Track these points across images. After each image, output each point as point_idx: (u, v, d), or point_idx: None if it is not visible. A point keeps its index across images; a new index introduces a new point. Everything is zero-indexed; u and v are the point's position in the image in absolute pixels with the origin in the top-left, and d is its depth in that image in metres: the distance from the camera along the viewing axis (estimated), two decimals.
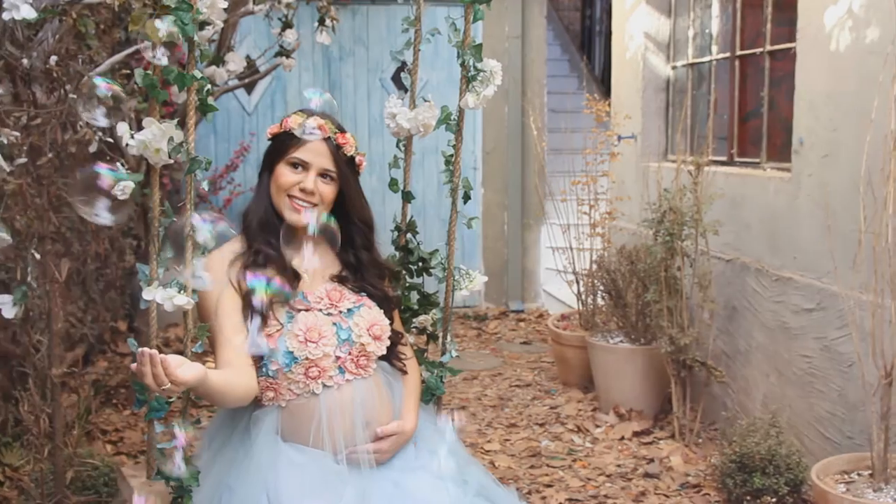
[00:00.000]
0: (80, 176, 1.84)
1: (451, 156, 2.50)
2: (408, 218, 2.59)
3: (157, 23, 1.98)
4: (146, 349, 1.74)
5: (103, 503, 3.30)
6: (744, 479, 3.61)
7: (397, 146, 2.54)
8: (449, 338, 2.60)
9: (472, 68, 2.41)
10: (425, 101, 2.42)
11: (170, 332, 6.27)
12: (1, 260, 3.74)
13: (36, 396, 3.13)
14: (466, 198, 2.52)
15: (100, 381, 4.90)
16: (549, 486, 4.01)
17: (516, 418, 4.95)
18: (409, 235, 2.57)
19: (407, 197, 2.56)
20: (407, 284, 2.58)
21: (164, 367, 1.74)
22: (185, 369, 1.78)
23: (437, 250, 2.56)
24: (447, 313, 2.59)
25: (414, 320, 2.59)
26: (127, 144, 2.04)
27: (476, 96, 2.41)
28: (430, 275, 2.57)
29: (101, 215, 1.87)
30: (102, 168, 1.84)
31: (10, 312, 2.56)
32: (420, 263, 2.57)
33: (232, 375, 2.02)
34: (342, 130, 2.25)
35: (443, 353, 2.60)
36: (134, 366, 1.76)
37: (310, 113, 2.24)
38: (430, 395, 2.55)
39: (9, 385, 3.89)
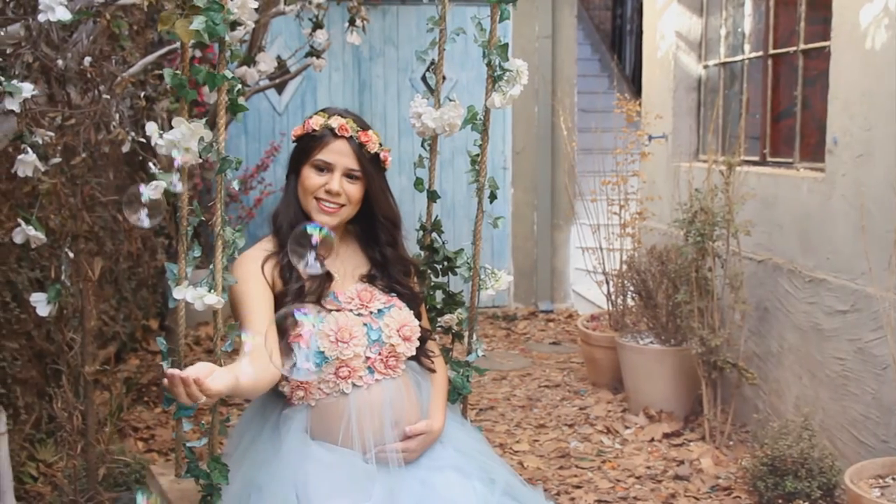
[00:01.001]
0: None
1: (478, 155, 2.49)
2: (433, 217, 2.58)
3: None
4: (174, 372, 1.70)
5: (134, 500, 3.33)
6: (775, 482, 3.58)
7: (422, 146, 2.53)
8: (475, 337, 2.60)
9: (498, 68, 2.40)
10: (450, 100, 2.42)
11: (200, 330, 6.32)
12: (35, 258, 3.79)
13: (69, 393, 3.17)
14: (493, 197, 2.50)
15: (132, 379, 4.95)
16: (578, 487, 4.00)
17: (545, 419, 4.94)
18: (434, 234, 2.56)
19: (432, 196, 2.56)
20: (432, 284, 2.58)
21: (196, 383, 1.71)
22: (216, 380, 1.75)
23: (462, 249, 2.55)
24: (473, 312, 2.58)
25: (439, 319, 2.58)
26: (156, 144, 2.05)
27: (502, 96, 2.39)
28: (455, 274, 2.56)
29: None
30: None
31: (44, 310, 2.58)
32: (445, 263, 2.56)
33: (259, 367, 2.01)
34: (365, 128, 2.25)
35: (469, 353, 2.59)
36: (165, 381, 1.73)
37: (331, 113, 2.24)
38: (457, 395, 2.54)
39: (43, 382, 3.94)
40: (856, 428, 3.70)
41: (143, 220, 1.96)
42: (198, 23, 1.98)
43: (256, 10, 2.17)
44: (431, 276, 2.57)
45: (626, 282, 5.32)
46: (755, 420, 4.38)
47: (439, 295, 2.59)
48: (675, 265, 4.62)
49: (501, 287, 2.56)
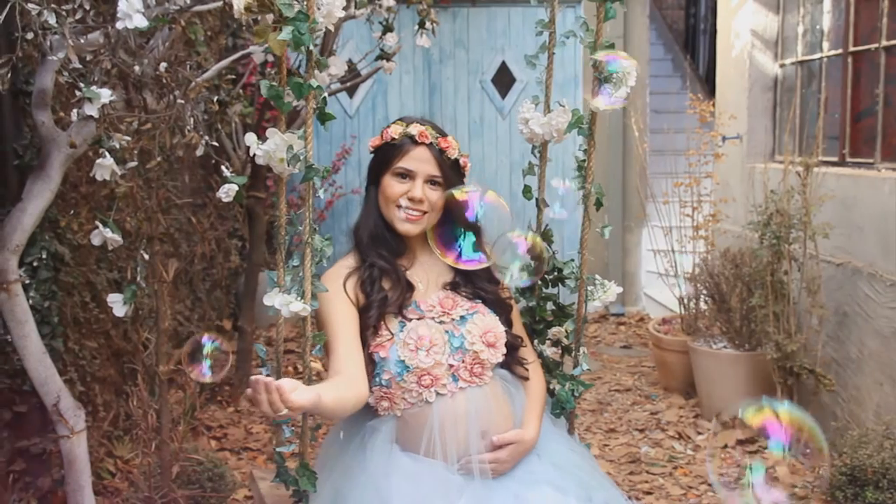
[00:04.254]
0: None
1: (584, 161, 2.40)
2: (542, 226, 2.49)
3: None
4: (260, 377, 1.71)
5: (207, 497, 3.39)
6: (855, 492, 3.48)
7: (532, 153, 2.47)
8: (581, 350, 2.50)
9: (605, 69, 2.25)
10: (560, 104, 2.32)
11: (272, 331, 6.39)
12: (113, 260, 3.88)
13: (144, 392, 3.23)
14: (599, 204, 2.40)
15: None
16: (649, 493, 3.94)
17: (616, 423, 4.88)
18: (543, 244, 2.52)
19: (541, 205, 2.48)
20: (542, 295, 2.52)
21: (280, 394, 1.71)
22: (299, 394, 1.75)
23: (572, 260, 2.48)
24: (579, 325, 2.49)
25: (548, 332, 2.51)
26: (254, 154, 2.06)
27: (608, 98, 2.31)
28: (564, 285, 2.49)
29: None
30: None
31: (120, 311, 2.64)
32: (555, 273, 2.49)
33: (342, 389, 2.00)
34: (443, 134, 2.24)
35: (574, 366, 2.49)
36: (249, 392, 1.73)
37: (409, 121, 2.24)
38: (560, 409, 2.46)
39: (120, 380, 4.03)
40: None
41: (206, 372, 1.99)
42: (285, 33, 1.98)
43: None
44: (541, 287, 2.51)
45: (698, 285, 5.23)
46: (833, 428, 4.27)
47: (550, 306, 2.51)
48: (750, 268, 4.53)
49: (609, 298, 2.47)
